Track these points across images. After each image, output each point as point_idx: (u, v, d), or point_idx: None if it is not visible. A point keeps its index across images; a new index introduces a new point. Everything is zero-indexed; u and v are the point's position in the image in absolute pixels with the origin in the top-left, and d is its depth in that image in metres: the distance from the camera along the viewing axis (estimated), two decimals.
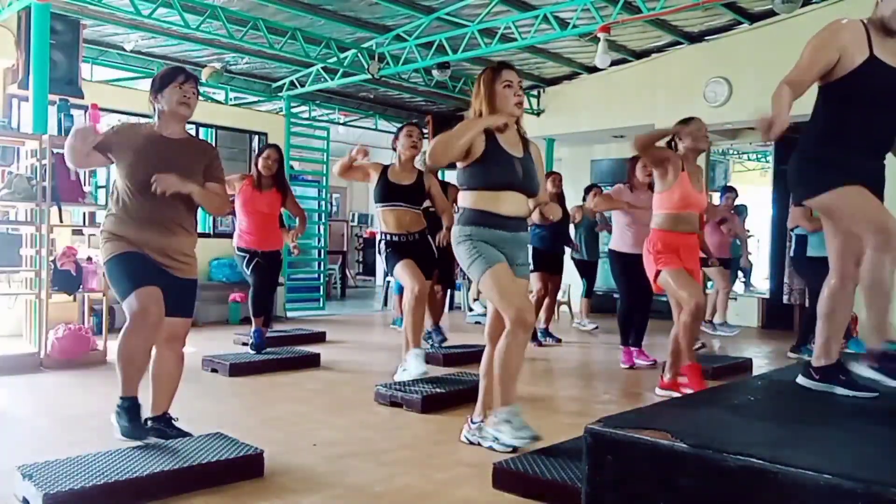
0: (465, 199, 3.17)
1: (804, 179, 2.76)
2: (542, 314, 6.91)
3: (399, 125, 4.93)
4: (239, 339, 6.29)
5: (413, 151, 4.63)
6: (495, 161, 3.09)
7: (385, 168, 4.66)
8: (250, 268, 5.49)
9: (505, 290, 3.05)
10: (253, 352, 5.48)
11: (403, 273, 4.52)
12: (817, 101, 2.71)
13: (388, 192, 4.60)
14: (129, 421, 2.98)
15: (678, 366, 4.37)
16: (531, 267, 3.29)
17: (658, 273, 4.26)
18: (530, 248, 3.49)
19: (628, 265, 5.34)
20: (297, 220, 5.78)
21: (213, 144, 3.38)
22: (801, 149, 2.83)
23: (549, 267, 6.64)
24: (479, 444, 3.27)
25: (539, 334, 6.79)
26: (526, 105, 3.40)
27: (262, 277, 5.53)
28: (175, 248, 3.08)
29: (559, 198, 6.55)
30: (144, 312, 2.92)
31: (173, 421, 3.18)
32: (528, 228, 3.26)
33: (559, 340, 6.93)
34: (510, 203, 3.12)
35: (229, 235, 5.94)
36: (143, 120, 3.29)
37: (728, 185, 8.36)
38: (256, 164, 5.52)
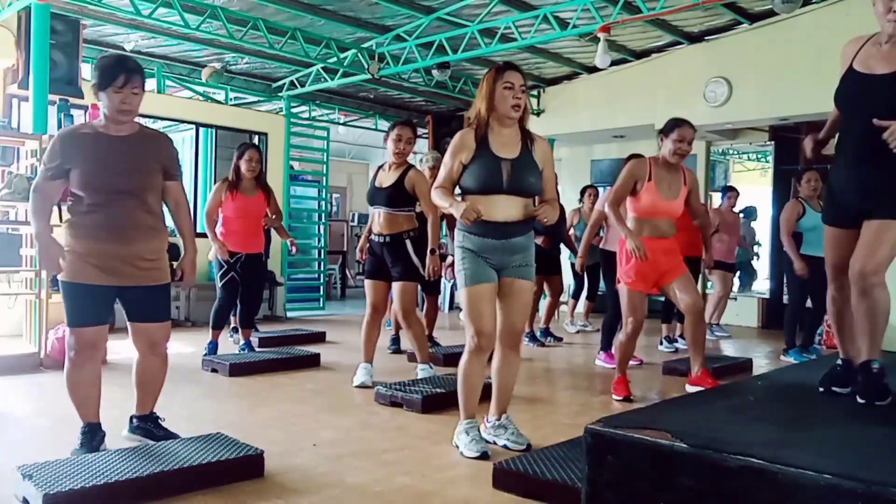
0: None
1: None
2: (542, 314, 6.91)
3: (393, 122, 4.79)
4: (239, 339, 6.29)
5: (398, 158, 4.52)
6: (481, 165, 3.07)
7: (379, 167, 4.70)
8: (224, 281, 5.37)
9: (472, 311, 3.11)
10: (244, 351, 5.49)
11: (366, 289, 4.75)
12: None
13: (370, 194, 4.69)
14: (84, 445, 2.95)
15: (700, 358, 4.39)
16: (531, 270, 3.22)
17: (618, 280, 4.35)
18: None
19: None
20: (276, 217, 5.70)
21: (166, 135, 3.19)
22: None
23: (542, 267, 6.62)
24: (493, 443, 3.31)
25: (539, 334, 6.79)
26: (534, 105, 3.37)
27: (230, 294, 5.44)
28: (137, 255, 2.91)
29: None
30: (81, 352, 2.90)
31: (160, 421, 3.16)
32: (529, 230, 3.18)
33: (560, 339, 6.93)
34: (499, 207, 3.06)
35: None
36: (142, 121, 3.21)
37: (728, 185, 8.31)
38: (237, 169, 5.38)
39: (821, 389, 2.62)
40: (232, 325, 6.15)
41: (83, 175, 2.84)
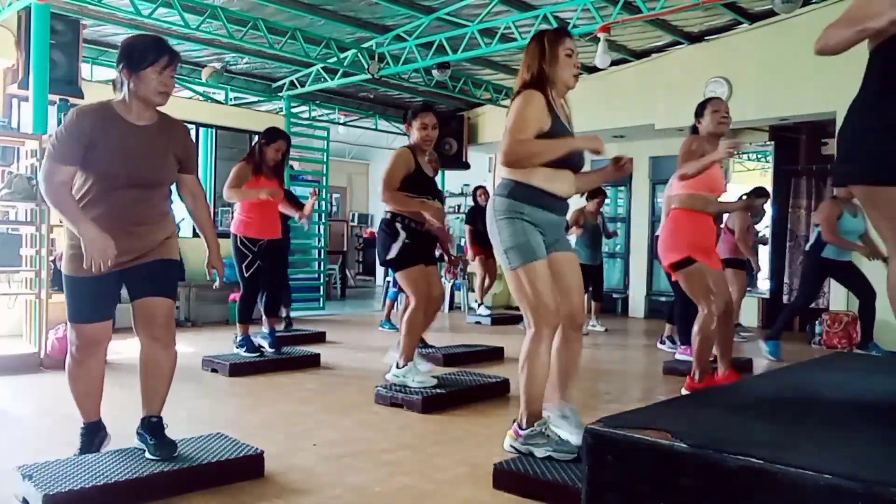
0: (521, 172, 2.88)
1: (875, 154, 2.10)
2: None
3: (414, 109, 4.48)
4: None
5: (428, 146, 4.34)
6: (559, 137, 2.90)
7: (408, 151, 4.32)
8: (250, 272, 5.29)
9: (541, 288, 2.85)
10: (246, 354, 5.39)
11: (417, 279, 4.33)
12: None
13: (421, 182, 4.30)
14: (82, 445, 2.88)
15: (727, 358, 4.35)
16: (569, 245, 3.09)
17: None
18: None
19: None
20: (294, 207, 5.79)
21: (185, 126, 3.00)
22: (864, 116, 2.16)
23: None
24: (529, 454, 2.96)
25: None
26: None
27: (256, 283, 5.39)
28: (145, 245, 2.76)
29: None
30: (83, 349, 2.81)
31: (159, 428, 2.82)
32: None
33: None
34: (566, 183, 2.94)
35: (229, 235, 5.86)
36: None
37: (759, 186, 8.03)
38: (262, 153, 5.25)
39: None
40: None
41: (101, 162, 2.63)
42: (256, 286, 5.43)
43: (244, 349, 5.35)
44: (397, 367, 4.31)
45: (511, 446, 2.99)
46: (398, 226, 4.26)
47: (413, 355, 4.33)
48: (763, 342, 6.16)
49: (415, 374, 4.28)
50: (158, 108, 2.79)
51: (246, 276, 5.33)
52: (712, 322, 4.08)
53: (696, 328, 4.19)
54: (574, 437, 2.90)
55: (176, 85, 9.43)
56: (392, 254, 4.27)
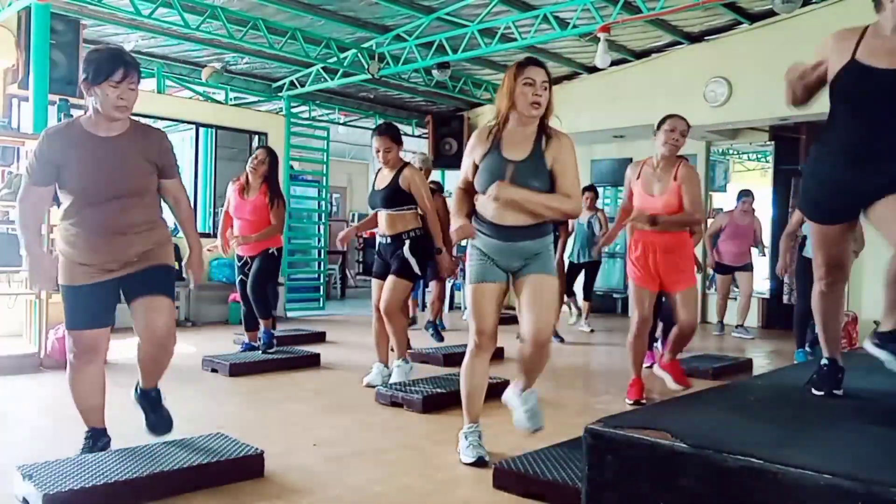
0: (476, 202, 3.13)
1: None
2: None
3: (399, 125, 4.92)
4: (239, 339, 6.28)
5: (387, 167, 4.55)
6: (485, 167, 3.03)
7: (378, 170, 4.74)
8: (237, 280, 5.60)
9: (475, 309, 3.08)
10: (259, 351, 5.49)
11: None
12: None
13: (370, 196, 4.74)
14: (88, 451, 2.89)
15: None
16: (545, 267, 3.08)
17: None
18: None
19: None
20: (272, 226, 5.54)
21: (160, 131, 3.00)
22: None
23: None
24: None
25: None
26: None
27: (241, 296, 5.60)
28: (134, 252, 2.78)
29: None
30: (81, 356, 2.82)
31: (158, 400, 3.02)
32: (542, 235, 3.06)
33: (562, 340, 6.92)
34: (507, 211, 2.98)
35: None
36: (142, 120, 3.14)
37: (745, 189, 7.95)
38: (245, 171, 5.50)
39: (814, 391, 2.58)
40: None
41: (74, 179, 2.69)
42: (244, 298, 5.61)
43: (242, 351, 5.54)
44: (397, 366, 4.70)
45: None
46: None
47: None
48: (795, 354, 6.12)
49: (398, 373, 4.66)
50: (131, 118, 2.81)
51: (237, 282, 5.68)
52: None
53: (676, 334, 4.34)
54: (525, 422, 3.13)
55: (176, 85, 9.43)
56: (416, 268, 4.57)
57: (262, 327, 5.62)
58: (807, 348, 5.99)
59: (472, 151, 3.09)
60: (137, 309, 2.80)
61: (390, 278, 4.54)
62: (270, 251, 5.48)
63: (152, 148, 2.83)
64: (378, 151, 4.53)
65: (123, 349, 5.01)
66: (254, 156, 5.51)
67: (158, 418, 3.01)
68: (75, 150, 2.69)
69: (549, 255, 3.10)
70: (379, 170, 4.71)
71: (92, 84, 2.64)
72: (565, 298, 8.04)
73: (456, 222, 3.08)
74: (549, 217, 3.06)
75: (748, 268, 7.59)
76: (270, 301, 5.79)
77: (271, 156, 5.56)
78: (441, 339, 6.21)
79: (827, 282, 2.66)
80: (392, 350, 4.73)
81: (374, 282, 4.72)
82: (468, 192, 3.15)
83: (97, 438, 2.92)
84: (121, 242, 2.75)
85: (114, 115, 2.69)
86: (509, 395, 3.25)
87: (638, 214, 4.17)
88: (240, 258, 5.55)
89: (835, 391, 2.55)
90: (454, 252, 5.70)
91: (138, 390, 3.02)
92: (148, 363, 2.91)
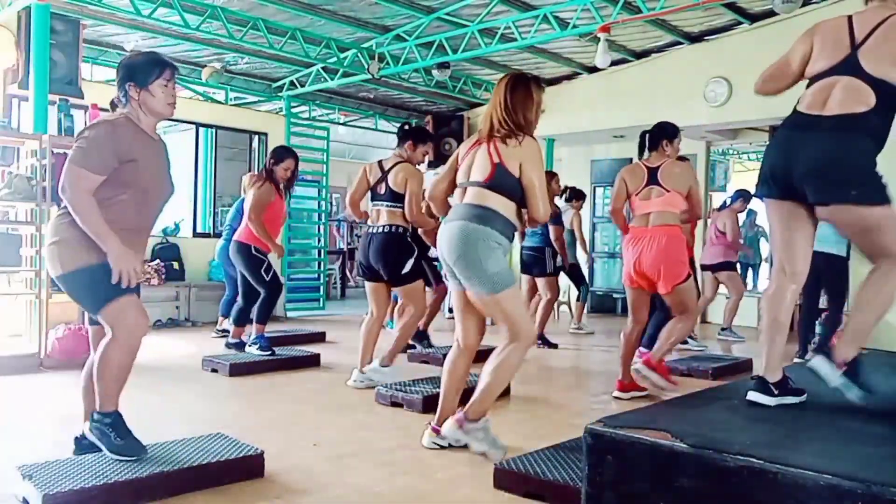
0: (503, 207, 3.07)
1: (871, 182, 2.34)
2: (537, 316, 6.63)
3: (399, 125, 4.96)
4: (232, 340, 6.19)
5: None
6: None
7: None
8: (269, 274, 5.44)
9: (522, 303, 3.27)
10: (260, 352, 5.42)
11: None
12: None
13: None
14: (119, 436, 2.71)
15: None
16: None
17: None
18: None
19: None
20: None
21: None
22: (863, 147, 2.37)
23: (533, 269, 6.56)
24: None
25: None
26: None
27: (275, 287, 5.53)
28: (144, 254, 2.93)
29: None
30: (136, 324, 2.68)
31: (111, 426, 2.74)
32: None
33: (555, 346, 6.71)
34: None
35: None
36: None
37: (742, 189, 7.87)
38: (271, 172, 5.41)
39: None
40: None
41: (144, 177, 2.74)
42: (277, 288, 5.58)
43: (258, 346, 5.44)
44: (382, 366, 4.67)
45: (434, 442, 3.26)
46: (409, 241, 4.59)
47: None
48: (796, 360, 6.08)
49: (392, 375, 4.64)
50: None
51: (267, 279, 5.44)
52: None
53: (671, 334, 4.35)
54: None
55: (176, 84, 9.42)
56: (408, 268, 4.54)
57: (255, 332, 5.56)
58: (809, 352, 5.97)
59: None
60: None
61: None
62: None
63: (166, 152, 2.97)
64: (426, 156, 4.78)
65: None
66: (286, 165, 5.42)
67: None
68: (143, 148, 2.75)
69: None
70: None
71: (141, 87, 2.74)
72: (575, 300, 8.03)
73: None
74: None
75: (730, 267, 7.40)
76: None
77: (297, 161, 5.60)
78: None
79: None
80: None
81: (422, 283, 4.75)
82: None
83: (123, 422, 2.76)
84: (143, 240, 2.88)
85: (166, 112, 2.81)
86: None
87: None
88: (264, 255, 5.44)
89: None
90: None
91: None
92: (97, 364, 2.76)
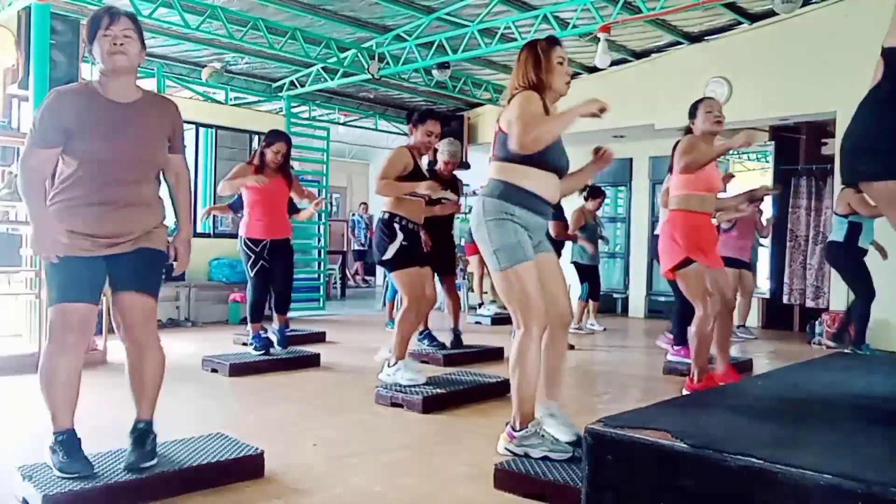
0: (512, 174, 2.91)
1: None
2: None
3: (405, 121, 4.87)
4: (239, 339, 6.29)
5: (426, 150, 4.62)
6: (554, 141, 2.90)
7: (411, 156, 4.49)
8: (255, 270, 5.37)
9: (530, 290, 2.87)
10: (256, 352, 5.42)
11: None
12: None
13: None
14: (66, 454, 2.52)
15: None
16: (548, 245, 3.09)
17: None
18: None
19: None
20: (307, 200, 5.81)
21: (175, 102, 2.85)
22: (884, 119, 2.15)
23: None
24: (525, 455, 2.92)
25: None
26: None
27: (263, 283, 5.45)
28: (129, 230, 2.62)
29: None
30: (64, 331, 2.53)
31: (149, 436, 2.69)
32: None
33: (572, 347, 6.78)
34: (553, 187, 2.96)
35: (229, 236, 5.89)
36: None
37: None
38: (262, 154, 5.38)
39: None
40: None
41: (89, 144, 2.54)
42: (264, 284, 5.48)
43: (253, 347, 5.41)
44: (388, 366, 4.39)
45: (506, 449, 2.96)
46: (396, 227, 4.40)
47: (405, 354, 4.42)
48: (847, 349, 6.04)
49: (405, 371, 4.34)
50: (145, 88, 2.71)
51: (251, 274, 5.42)
52: (709, 323, 4.09)
53: (692, 329, 4.19)
54: (564, 435, 2.95)
55: (176, 85, 9.42)
56: (389, 255, 4.38)
57: (276, 324, 5.60)
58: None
59: (541, 116, 2.88)
60: (119, 304, 2.66)
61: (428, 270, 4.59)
62: (289, 239, 5.57)
63: (167, 118, 2.72)
64: (431, 135, 4.51)
65: (121, 348, 5.02)
66: (276, 149, 5.34)
67: (133, 451, 2.65)
68: (90, 113, 2.56)
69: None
70: (413, 154, 4.48)
71: (90, 44, 2.56)
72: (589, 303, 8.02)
73: (574, 110, 2.85)
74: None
75: (750, 266, 7.51)
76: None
77: (289, 146, 5.52)
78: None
79: None
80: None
81: (414, 271, 4.43)
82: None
83: (72, 440, 2.57)
84: (126, 215, 2.61)
85: (113, 65, 2.55)
86: (541, 416, 3.02)
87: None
88: (256, 242, 5.36)
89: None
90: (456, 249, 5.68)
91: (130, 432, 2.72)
92: (132, 370, 2.68)
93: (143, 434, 2.68)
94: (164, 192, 2.83)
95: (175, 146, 2.79)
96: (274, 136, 5.48)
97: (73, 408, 2.61)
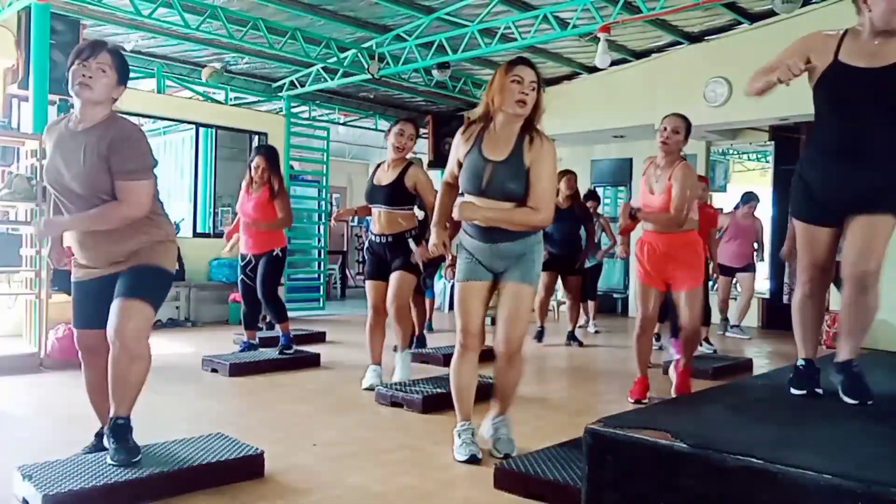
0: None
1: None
2: (568, 314, 6.94)
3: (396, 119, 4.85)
4: (239, 339, 6.28)
5: (398, 153, 4.49)
6: (466, 166, 3.04)
7: (377, 165, 4.69)
8: (239, 283, 5.61)
9: (460, 307, 3.14)
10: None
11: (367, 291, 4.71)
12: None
13: (368, 191, 4.68)
14: (91, 449, 2.85)
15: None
16: (525, 275, 3.06)
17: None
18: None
19: None
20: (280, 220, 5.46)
21: (127, 124, 2.69)
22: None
23: (550, 268, 6.58)
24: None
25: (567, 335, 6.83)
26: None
27: (245, 296, 5.57)
28: (124, 251, 2.68)
29: (573, 198, 6.56)
30: (81, 351, 2.84)
31: (123, 431, 2.67)
32: (523, 237, 3.02)
33: (581, 344, 6.85)
34: (468, 210, 2.98)
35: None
36: (139, 120, 3.14)
37: (749, 192, 7.85)
38: (249, 170, 5.49)
39: (795, 391, 2.64)
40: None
41: (46, 175, 2.71)
42: (245, 299, 5.60)
43: (239, 350, 5.57)
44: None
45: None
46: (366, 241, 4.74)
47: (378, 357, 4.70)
48: None
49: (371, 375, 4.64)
50: (113, 111, 2.69)
51: (237, 279, 5.67)
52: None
53: (682, 336, 4.37)
54: (503, 446, 3.19)
55: (176, 85, 9.42)
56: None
57: (279, 330, 5.62)
58: None
59: (457, 149, 3.12)
60: (111, 310, 2.64)
61: (397, 273, 4.49)
62: (275, 252, 5.44)
63: (104, 141, 2.58)
64: (402, 134, 4.48)
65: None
66: (254, 165, 5.41)
67: (118, 448, 2.64)
68: (55, 146, 2.68)
69: (532, 258, 3.07)
70: (379, 165, 4.66)
71: (67, 70, 2.63)
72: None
73: (434, 236, 3.21)
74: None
75: (750, 269, 7.58)
76: (283, 303, 5.76)
77: (268, 159, 5.47)
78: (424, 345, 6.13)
79: (811, 286, 2.71)
80: (395, 349, 4.73)
81: (371, 283, 4.66)
82: (454, 186, 3.23)
83: (100, 439, 2.87)
84: (104, 241, 2.65)
85: (77, 95, 2.60)
86: (484, 425, 3.30)
87: (643, 214, 4.18)
88: (243, 257, 5.52)
89: (815, 390, 2.62)
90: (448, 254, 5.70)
91: (107, 429, 2.76)
92: (113, 375, 2.63)
93: (121, 429, 2.66)
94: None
95: (118, 171, 2.59)
96: (254, 152, 5.70)
97: (98, 412, 2.89)
